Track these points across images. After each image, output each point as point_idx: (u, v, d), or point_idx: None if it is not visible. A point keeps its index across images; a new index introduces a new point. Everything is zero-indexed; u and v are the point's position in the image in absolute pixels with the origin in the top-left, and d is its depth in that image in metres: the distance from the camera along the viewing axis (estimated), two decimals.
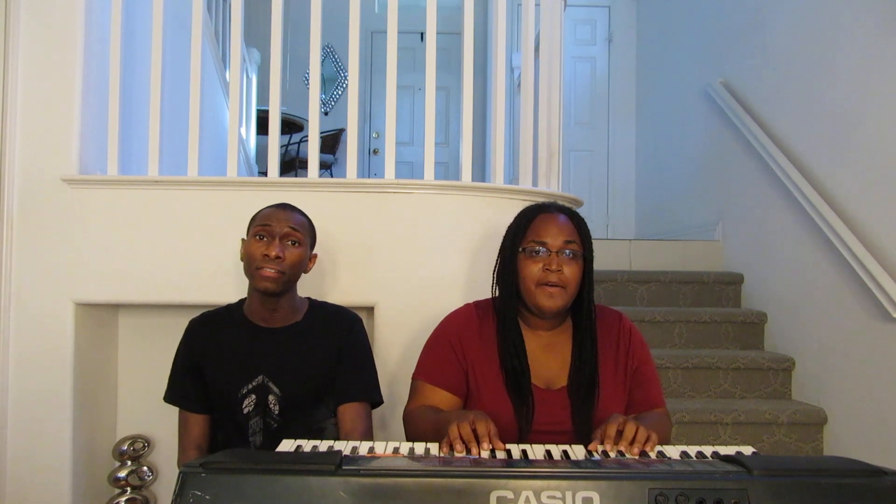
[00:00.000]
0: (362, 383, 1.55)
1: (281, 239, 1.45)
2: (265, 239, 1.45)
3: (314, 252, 1.58)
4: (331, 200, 1.92)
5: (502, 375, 1.34)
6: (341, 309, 1.62)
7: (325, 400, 1.54)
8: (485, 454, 1.06)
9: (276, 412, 1.49)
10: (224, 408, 1.51)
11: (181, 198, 1.92)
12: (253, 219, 1.52)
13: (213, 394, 1.51)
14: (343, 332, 1.56)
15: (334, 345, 1.54)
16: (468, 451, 1.07)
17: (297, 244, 1.47)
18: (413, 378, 1.41)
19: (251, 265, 1.45)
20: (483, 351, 1.36)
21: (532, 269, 1.31)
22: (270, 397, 1.49)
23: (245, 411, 1.49)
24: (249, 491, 0.84)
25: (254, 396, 1.49)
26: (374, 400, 1.57)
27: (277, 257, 1.43)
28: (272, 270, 1.43)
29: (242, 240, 1.53)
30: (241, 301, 1.58)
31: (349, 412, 1.52)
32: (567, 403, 1.32)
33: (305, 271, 1.54)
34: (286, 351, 1.51)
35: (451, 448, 1.08)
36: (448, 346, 1.38)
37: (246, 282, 1.50)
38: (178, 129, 2.07)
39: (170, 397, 1.56)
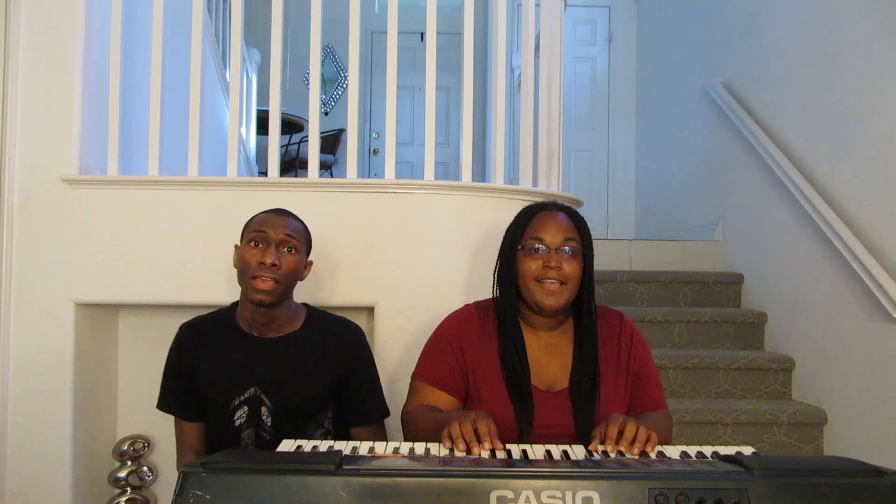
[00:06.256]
0: (375, 404, 1.54)
1: (277, 246, 1.40)
2: (260, 245, 1.39)
3: (309, 259, 1.53)
4: (331, 201, 1.92)
5: (503, 376, 1.33)
6: (343, 322, 1.56)
7: (319, 414, 1.51)
8: (485, 454, 1.06)
9: (269, 424, 1.45)
10: (216, 418, 1.48)
11: (181, 198, 1.92)
12: (247, 225, 1.46)
13: (205, 403, 1.48)
14: (349, 349, 1.51)
15: (337, 362, 1.49)
16: (468, 451, 1.07)
17: (293, 251, 1.42)
18: (412, 378, 1.40)
19: (245, 273, 1.39)
20: (483, 352, 1.36)
21: (531, 266, 1.31)
22: (263, 409, 1.45)
23: (237, 423, 1.45)
24: (249, 491, 0.84)
25: (246, 408, 1.45)
26: (386, 415, 1.56)
27: (273, 265, 1.38)
28: (267, 280, 1.38)
29: (236, 246, 1.47)
30: (233, 306, 1.53)
31: (365, 435, 1.52)
32: (568, 405, 1.32)
33: (301, 279, 1.49)
34: (281, 362, 1.46)
35: (452, 446, 1.07)
36: (448, 346, 1.37)
37: None
38: (178, 129, 2.07)
39: (162, 405, 1.53)
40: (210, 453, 1.48)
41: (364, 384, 1.53)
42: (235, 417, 1.45)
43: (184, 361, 1.49)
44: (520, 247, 1.34)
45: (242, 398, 1.45)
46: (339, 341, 1.51)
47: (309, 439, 1.47)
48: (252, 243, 1.40)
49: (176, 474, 0.85)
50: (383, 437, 1.56)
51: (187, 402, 1.50)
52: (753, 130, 2.95)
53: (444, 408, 1.34)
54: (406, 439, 1.33)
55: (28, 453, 1.88)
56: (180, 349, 1.51)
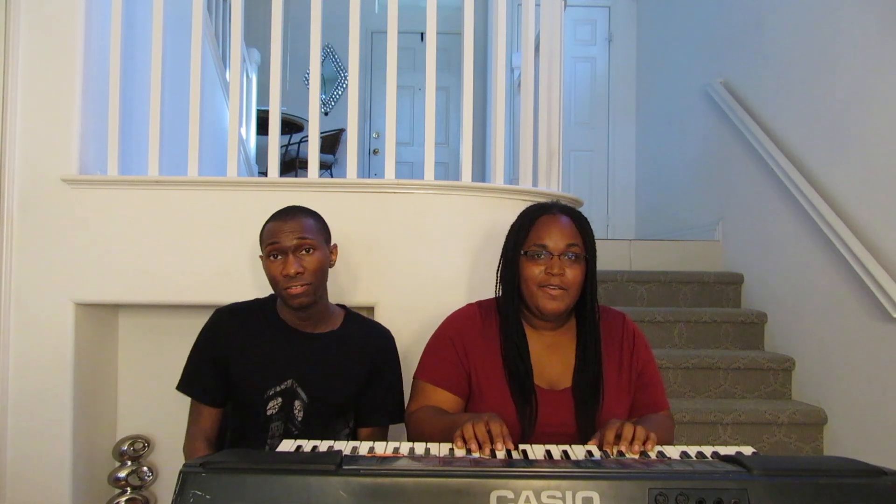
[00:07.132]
0: (388, 409, 1.55)
1: (294, 252, 1.41)
2: (279, 258, 1.41)
3: (333, 243, 1.54)
4: (331, 201, 1.92)
5: (505, 376, 1.33)
6: (378, 325, 1.61)
7: (347, 412, 1.53)
8: (485, 454, 1.06)
9: (300, 419, 1.46)
10: (246, 405, 1.48)
11: (181, 198, 1.92)
12: (261, 236, 1.47)
13: (237, 390, 1.47)
14: (380, 351, 1.54)
15: (368, 361, 1.51)
16: (468, 452, 1.06)
17: (311, 250, 1.43)
18: (415, 378, 1.40)
19: (276, 287, 1.43)
20: (486, 351, 1.36)
21: (534, 272, 1.30)
22: (297, 403, 1.46)
23: (268, 413, 1.45)
24: (249, 491, 0.84)
25: (280, 399, 1.45)
26: (396, 422, 1.57)
27: (298, 273, 1.39)
28: (298, 287, 1.40)
29: (261, 257, 1.48)
30: (273, 298, 1.53)
31: (367, 434, 1.53)
32: (571, 404, 1.32)
33: (331, 266, 1.51)
34: (321, 359, 1.48)
35: (465, 445, 1.07)
36: (450, 345, 1.37)
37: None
38: (178, 129, 2.07)
39: (184, 387, 1.50)
40: (233, 440, 1.49)
41: (386, 384, 1.54)
42: (268, 407, 1.45)
43: (219, 344, 1.48)
44: (523, 252, 1.33)
45: (278, 389, 1.46)
46: (375, 342, 1.55)
47: (335, 438, 1.49)
48: (271, 257, 1.42)
49: (176, 474, 0.85)
50: (384, 439, 1.57)
51: (214, 385, 1.48)
52: (753, 130, 2.95)
53: (449, 407, 1.34)
54: (411, 440, 1.33)
55: (28, 453, 1.88)
56: (215, 332, 1.50)
